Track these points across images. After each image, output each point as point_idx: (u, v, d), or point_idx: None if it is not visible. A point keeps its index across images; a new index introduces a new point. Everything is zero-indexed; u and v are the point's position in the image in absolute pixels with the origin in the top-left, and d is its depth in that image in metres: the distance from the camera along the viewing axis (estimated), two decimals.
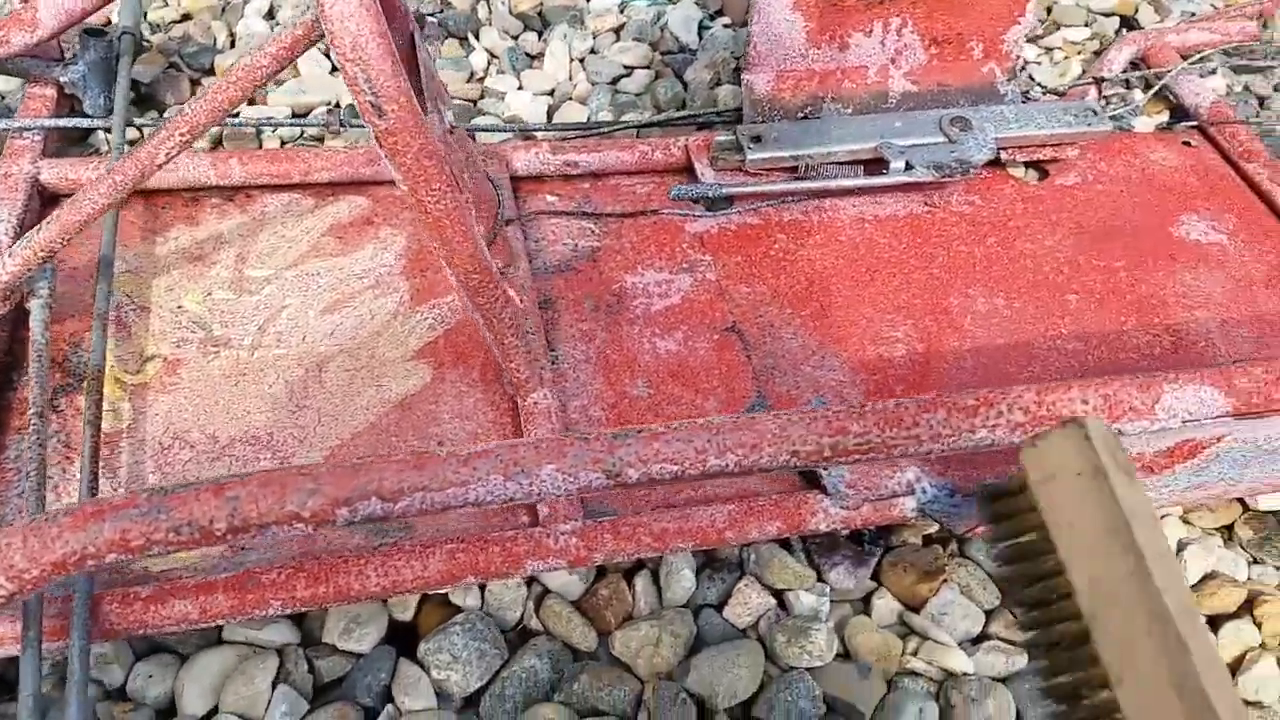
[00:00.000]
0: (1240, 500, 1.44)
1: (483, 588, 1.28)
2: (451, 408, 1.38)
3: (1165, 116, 2.06)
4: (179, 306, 1.50)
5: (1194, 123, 1.99)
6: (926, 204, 1.76)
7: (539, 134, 1.87)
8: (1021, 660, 1.26)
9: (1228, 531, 1.44)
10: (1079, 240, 1.73)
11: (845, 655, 1.26)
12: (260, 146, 1.86)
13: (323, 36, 0.89)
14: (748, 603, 1.25)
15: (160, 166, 1.14)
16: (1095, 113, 1.81)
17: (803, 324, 1.54)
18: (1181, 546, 1.40)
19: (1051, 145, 1.82)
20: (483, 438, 1.36)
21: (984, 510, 0.85)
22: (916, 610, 1.29)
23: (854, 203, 1.74)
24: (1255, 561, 1.40)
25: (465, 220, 1.08)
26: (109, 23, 1.85)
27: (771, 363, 1.49)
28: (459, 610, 1.26)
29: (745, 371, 1.48)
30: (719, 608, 1.27)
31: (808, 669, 1.20)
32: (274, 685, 1.18)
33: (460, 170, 1.21)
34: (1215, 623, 1.35)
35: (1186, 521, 1.43)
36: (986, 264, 1.66)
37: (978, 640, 1.29)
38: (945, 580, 1.30)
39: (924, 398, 0.89)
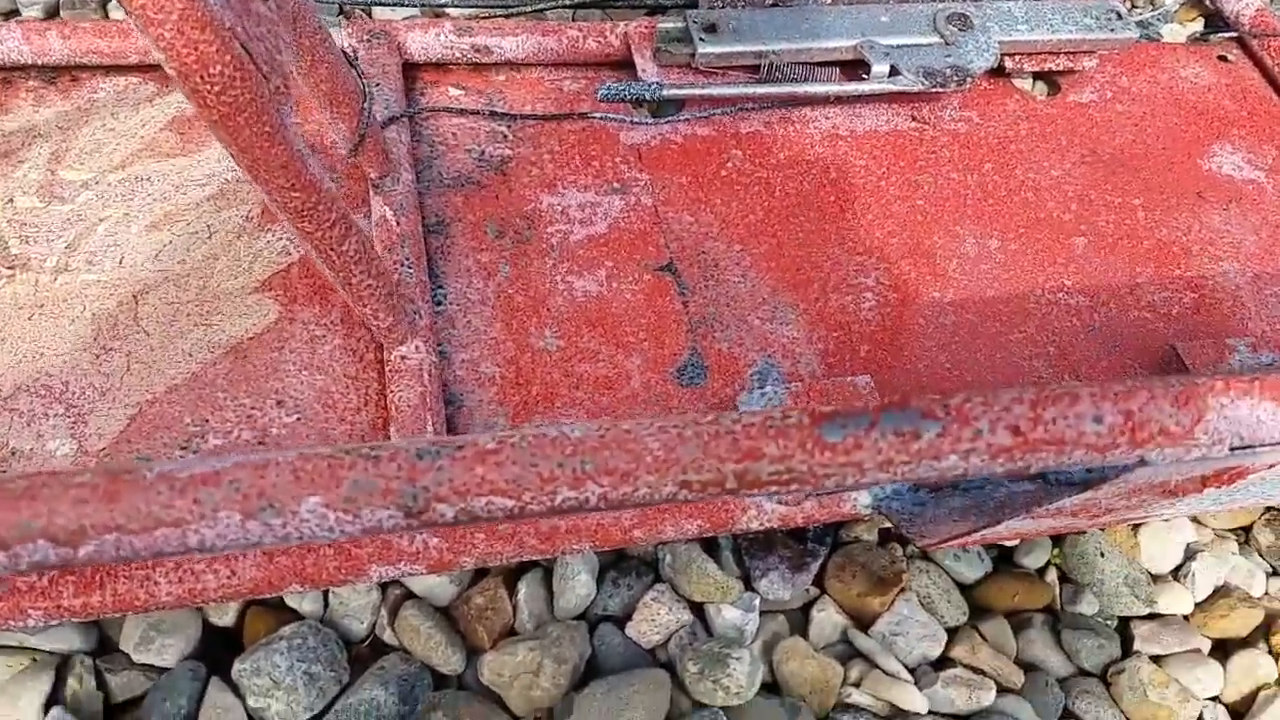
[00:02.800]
0: None
1: (325, 589, 1.02)
2: (300, 357, 1.10)
3: (1200, 25, 1.74)
4: None
5: (1233, 34, 1.67)
6: (913, 119, 1.45)
7: (450, 9, 1.54)
8: (989, 695, 1.02)
9: (1244, 534, 1.20)
10: (1091, 171, 1.44)
11: (773, 686, 1.02)
12: (106, 18, 1.52)
13: None
14: (656, 618, 1.00)
15: None
16: (1119, 16, 1.49)
17: (754, 264, 1.26)
18: (1190, 555, 1.15)
19: (1066, 53, 1.50)
20: (338, 399, 1.09)
21: None
22: (865, 627, 1.05)
23: (826, 114, 1.44)
24: (1276, 573, 1.16)
25: (272, 116, 0.78)
26: None
27: (712, 312, 1.21)
28: (294, 616, 1.00)
29: (679, 322, 1.20)
30: (622, 622, 1.02)
31: (723, 708, 0.95)
32: (47, 707, 0.93)
33: (275, 48, 0.89)
34: (1225, 650, 1.12)
35: (1197, 522, 1.18)
36: (980, 196, 1.37)
37: (939, 665, 1.05)
38: (902, 590, 1.06)
39: (866, 413, 0.62)
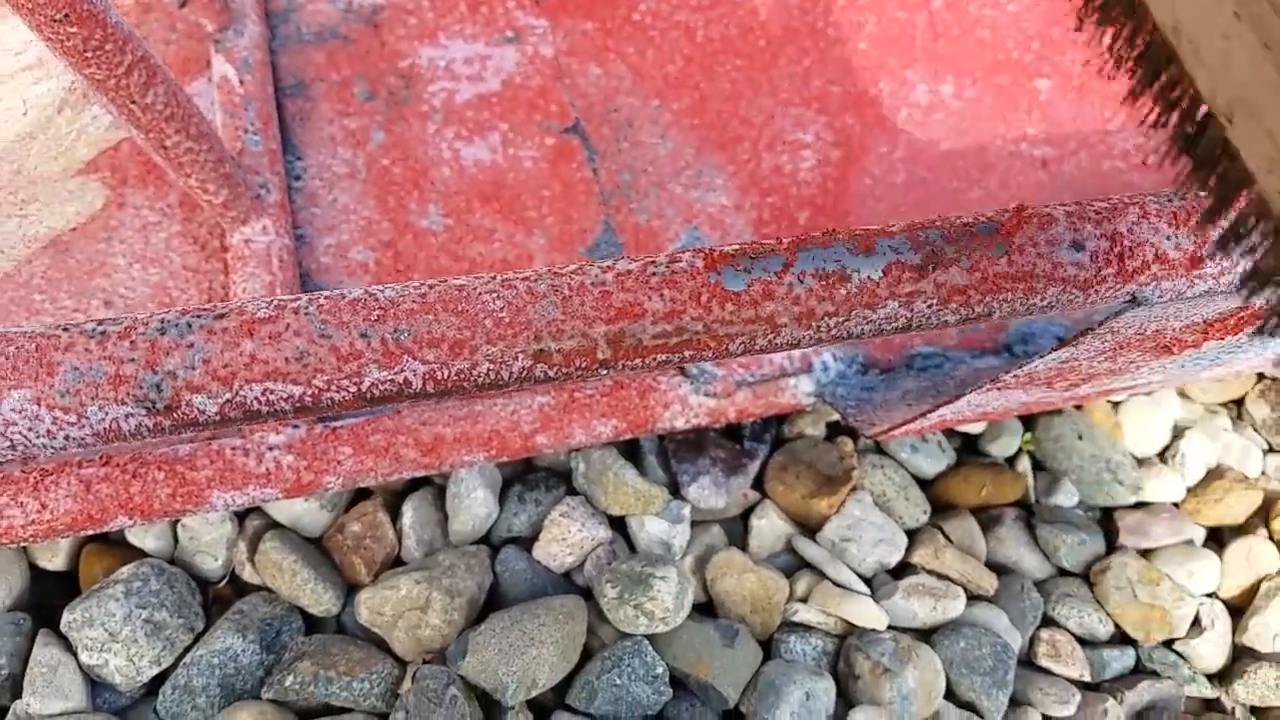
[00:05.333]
0: None
1: (174, 521, 0.89)
2: (132, 248, 0.94)
3: None
4: None
5: None
6: None
7: None
8: (957, 604, 0.91)
9: (1237, 408, 1.09)
10: (1052, 3, 1.28)
11: (707, 607, 0.90)
12: None
13: None
14: (567, 537, 0.88)
15: None
16: None
17: (674, 122, 1.10)
18: (1178, 433, 1.05)
19: None
20: (176, 296, 0.93)
21: None
22: (813, 533, 0.94)
23: None
24: (1273, 450, 1.06)
25: None
26: None
27: (628, 179, 1.07)
28: (138, 554, 0.87)
29: (589, 193, 1.05)
30: (530, 544, 0.90)
31: (647, 635, 0.84)
32: None
33: None
34: (1219, 538, 1.02)
35: (1184, 396, 1.07)
36: (930, 36, 1.21)
37: (899, 572, 0.94)
38: (854, 488, 0.94)
39: (777, 252, 0.48)
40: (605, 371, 0.47)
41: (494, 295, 0.46)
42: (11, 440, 0.42)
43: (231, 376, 0.43)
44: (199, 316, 0.44)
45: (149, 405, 0.43)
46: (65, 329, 0.43)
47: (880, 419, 0.85)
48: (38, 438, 0.42)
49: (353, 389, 0.45)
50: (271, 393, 0.44)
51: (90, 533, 0.80)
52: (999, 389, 0.71)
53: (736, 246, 0.47)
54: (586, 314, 0.46)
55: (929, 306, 0.47)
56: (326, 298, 0.45)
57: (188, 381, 0.43)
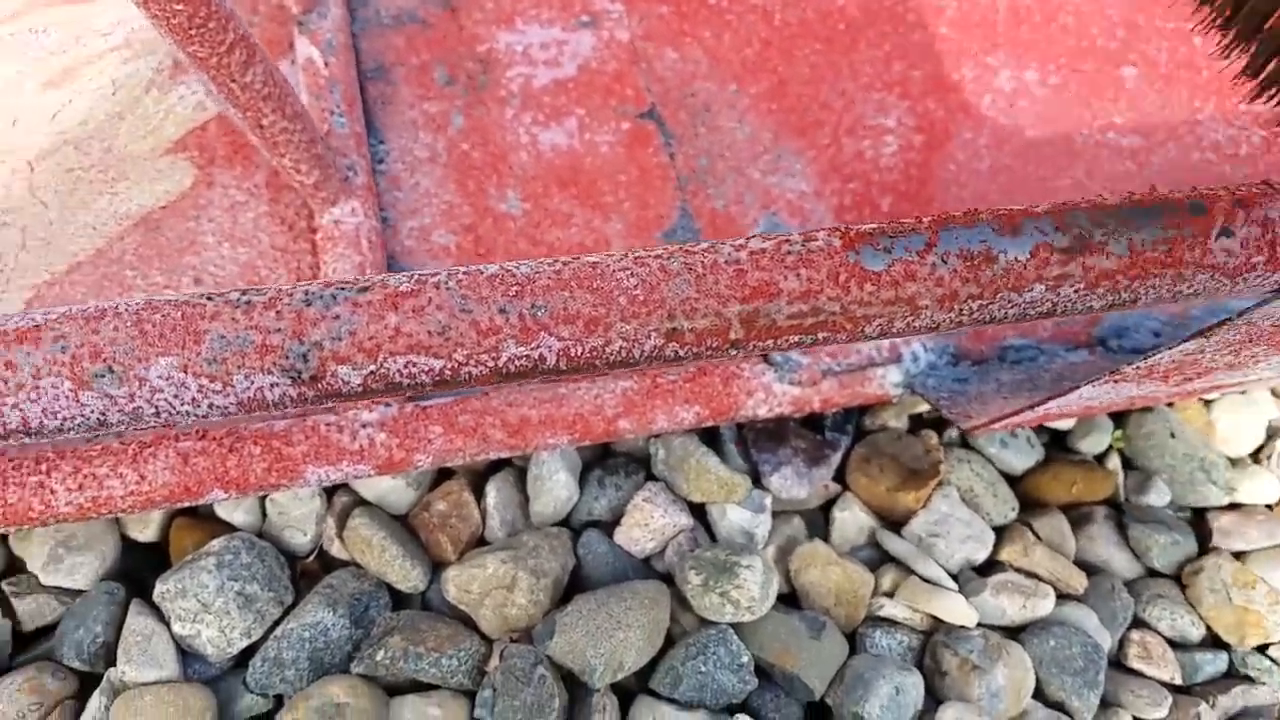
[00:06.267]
0: None
1: (263, 497, 0.90)
2: (220, 227, 0.96)
3: None
4: None
5: None
6: None
7: None
8: (1046, 603, 0.90)
9: None
10: None
11: (789, 598, 0.90)
12: None
13: None
14: (649, 523, 0.88)
15: None
16: None
17: (751, 107, 1.10)
18: (1273, 433, 1.03)
19: None
20: (265, 275, 0.95)
21: None
22: (897, 528, 0.93)
23: None
24: None
25: None
26: None
27: (705, 165, 1.07)
28: (227, 528, 0.88)
29: (665, 178, 1.05)
30: (610, 528, 0.90)
31: (732, 624, 0.84)
32: None
33: None
34: None
35: (1275, 395, 1.05)
36: (1012, 22, 1.20)
37: (984, 571, 0.93)
38: (940, 483, 0.93)
39: (919, 231, 0.47)
40: (735, 352, 0.47)
41: (628, 273, 0.46)
42: (156, 407, 0.43)
43: (376, 349, 0.44)
44: (342, 289, 0.44)
45: (294, 375, 0.43)
46: (210, 298, 0.44)
47: (976, 412, 0.84)
48: (182, 405, 0.43)
49: (490, 364, 0.45)
50: (413, 365, 0.45)
51: (185, 505, 0.82)
52: (1116, 381, 0.70)
53: (875, 225, 0.47)
54: (721, 293, 0.46)
55: (1076, 291, 0.46)
56: (465, 273, 0.46)
57: (334, 352, 0.43)
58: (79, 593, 0.86)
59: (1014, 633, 0.90)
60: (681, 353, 0.46)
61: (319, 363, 0.43)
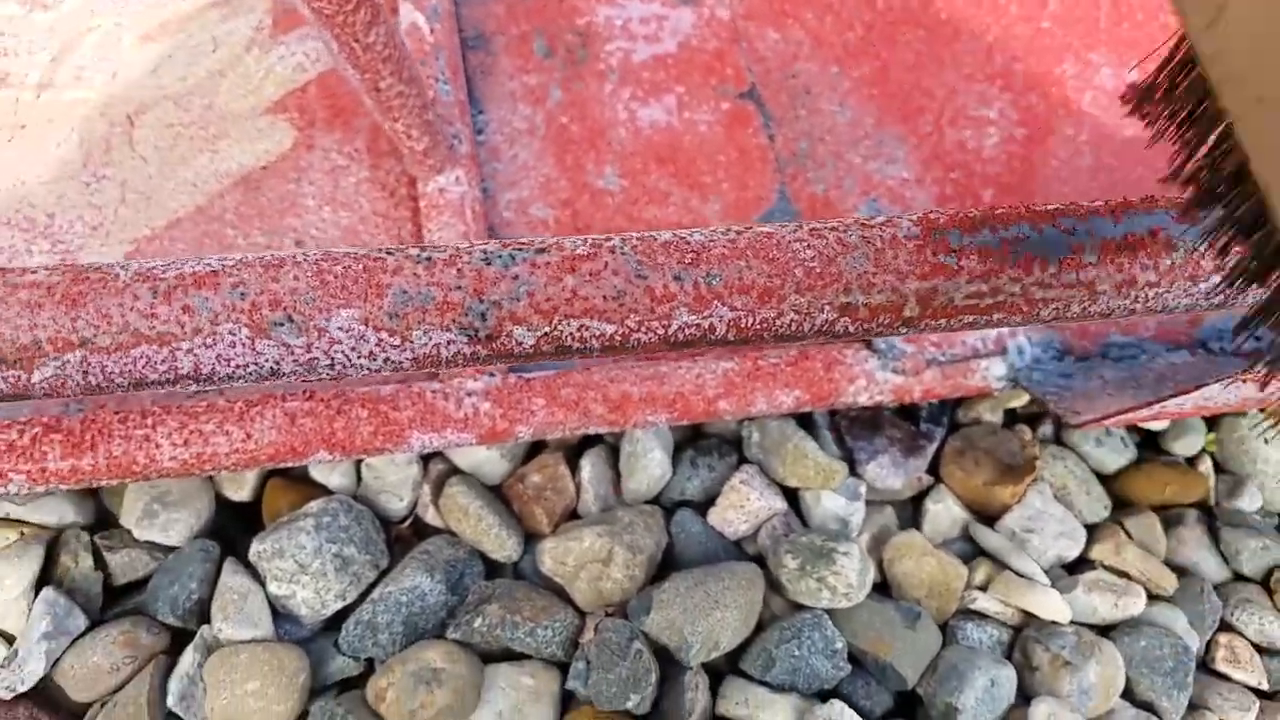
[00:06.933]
0: None
1: (357, 461, 0.91)
2: (321, 190, 0.96)
3: None
4: None
5: None
6: None
7: None
8: (1137, 602, 0.89)
9: None
10: None
11: (880, 587, 0.90)
12: None
13: None
14: (745, 505, 0.88)
15: None
16: None
17: (854, 90, 1.09)
18: None
19: None
20: (366, 240, 0.95)
21: None
22: (989, 522, 0.92)
23: None
24: None
25: None
26: None
27: (805, 148, 1.06)
28: (322, 491, 0.89)
29: (765, 159, 1.04)
30: (703, 508, 0.90)
31: (827, 610, 0.84)
32: (37, 588, 0.83)
33: None
34: None
35: None
36: (1114, 18, 1.18)
37: (1073, 568, 0.92)
38: (1035, 479, 0.92)
39: (1098, 213, 0.46)
40: (905, 330, 0.46)
41: (804, 244, 0.46)
42: (332, 359, 0.43)
43: (553, 310, 0.44)
44: (520, 249, 0.44)
45: (471, 333, 0.43)
46: (390, 253, 0.44)
47: (1084, 408, 0.83)
48: (359, 358, 0.43)
49: (660, 331, 0.45)
50: (586, 329, 0.44)
51: (289, 465, 0.82)
52: (1244, 381, 0.69)
53: (1056, 206, 0.46)
54: (900, 269, 0.45)
55: None
56: (639, 239, 0.45)
57: (511, 312, 0.43)
58: (171, 549, 0.87)
59: (1103, 631, 0.89)
60: (851, 329, 0.46)
61: (496, 322, 0.43)
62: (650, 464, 0.89)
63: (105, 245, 0.93)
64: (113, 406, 0.81)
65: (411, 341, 0.43)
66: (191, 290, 0.41)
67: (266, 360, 0.42)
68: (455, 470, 0.90)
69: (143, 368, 0.41)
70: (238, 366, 0.42)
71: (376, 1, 0.75)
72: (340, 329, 0.43)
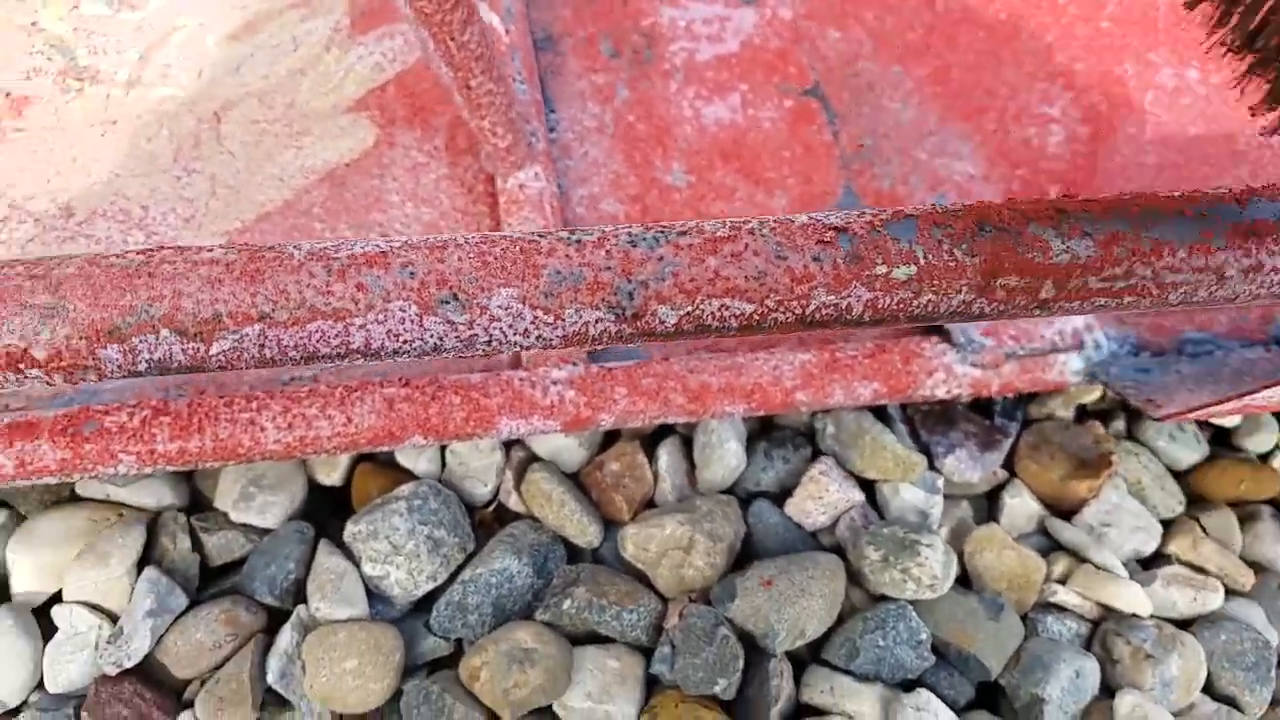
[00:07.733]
0: None
1: (443, 447, 0.93)
2: (404, 186, 0.99)
3: None
4: (32, 23, 1.09)
5: None
6: None
7: None
8: (1216, 597, 0.90)
9: None
10: None
11: (961, 579, 0.91)
12: None
13: None
14: (823, 496, 0.89)
15: None
16: None
17: (916, 88, 1.10)
18: None
19: None
20: (447, 234, 0.97)
21: None
22: (1067, 516, 0.93)
23: None
24: None
25: None
26: None
27: (869, 144, 1.07)
28: (408, 476, 0.91)
29: (829, 155, 1.06)
30: (779, 499, 0.91)
31: (911, 601, 0.85)
32: (139, 567, 0.85)
33: None
34: None
35: None
36: (1173, 18, 1.19)
37: (1148, 564, 0.93)
38: (1111, 474, 0.93)
39: (1227, 201, 0.48)
40: (1037, 312, 0.48)
41: (940, 228, 0.47)
42: (490, 336, 0.45)
43: (696, 290, 0.45)
44: (663, 231, 0.46)
45: (619, 312, 0.45)
46: (542, 235, 0.46)
47: (1164, 401, 0.84)
48: (514, 335, 0.45)
49: (798, 310, 0.47)
50: (726, 309, 0.46)
51: (385, 449, 0.85)
52: None
53: (1183, 193, 0.48)
54: (1038, 240, 0.46)
55: None
56: (777, 221, 0.47)
57: (657, 292, 0.45)
58: (266, 531, 0.89)
59: (1182, 625, 0.90)
60: (988, 310, 0.47)
61: (642, 301, 0.45)
62: (726, 454, 0.91)
63: (198, 237, 0.96)
64: (214, 391, 0.83)
65: (564, 319, 0.45)
66: (364, 269, 0.43)
67: (431, 336, 0.44)
68: (536, 457, 0.92)
69: (316, 341, 0.43)
70: (405, 342, 0.44)
71: (472, 2, 0.77)
72: (500, 307, 0.44)
